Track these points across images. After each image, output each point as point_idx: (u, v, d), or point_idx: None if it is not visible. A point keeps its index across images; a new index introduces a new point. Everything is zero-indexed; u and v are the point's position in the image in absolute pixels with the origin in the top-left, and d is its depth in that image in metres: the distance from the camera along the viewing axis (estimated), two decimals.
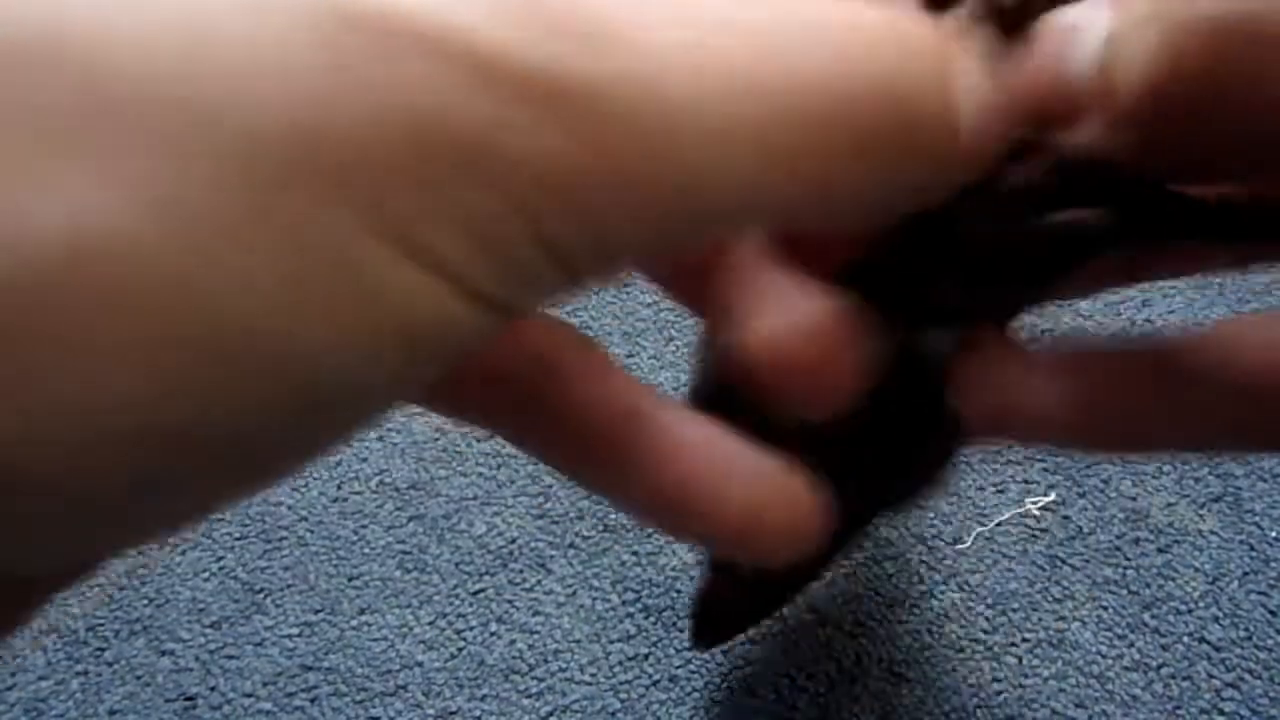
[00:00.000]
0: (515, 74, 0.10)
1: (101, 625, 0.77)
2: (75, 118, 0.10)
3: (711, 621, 0.54)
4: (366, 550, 0.80)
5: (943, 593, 0.77)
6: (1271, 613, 0.75)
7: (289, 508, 0.83)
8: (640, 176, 0.11)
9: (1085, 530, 0.79)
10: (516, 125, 0.10)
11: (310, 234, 0.10)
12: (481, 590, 0.78)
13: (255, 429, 0.11)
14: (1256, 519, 0.80)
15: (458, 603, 0.78)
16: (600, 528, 0.81)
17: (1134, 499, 0.81)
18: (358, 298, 0.10)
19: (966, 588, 0.77)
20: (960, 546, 0.79)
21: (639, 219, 0.11)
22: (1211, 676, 0.72)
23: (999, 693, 0.72)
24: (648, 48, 0.10)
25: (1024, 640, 0.74)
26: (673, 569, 0.78)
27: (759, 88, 0.11)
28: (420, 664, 0.75)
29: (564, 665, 0.74)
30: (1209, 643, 0.74)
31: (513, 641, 0.76)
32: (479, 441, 0.86)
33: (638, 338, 0.93)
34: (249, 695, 0.73)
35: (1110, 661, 0.73)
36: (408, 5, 0.10)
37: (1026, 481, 0.82)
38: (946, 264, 0.18)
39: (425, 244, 0.10)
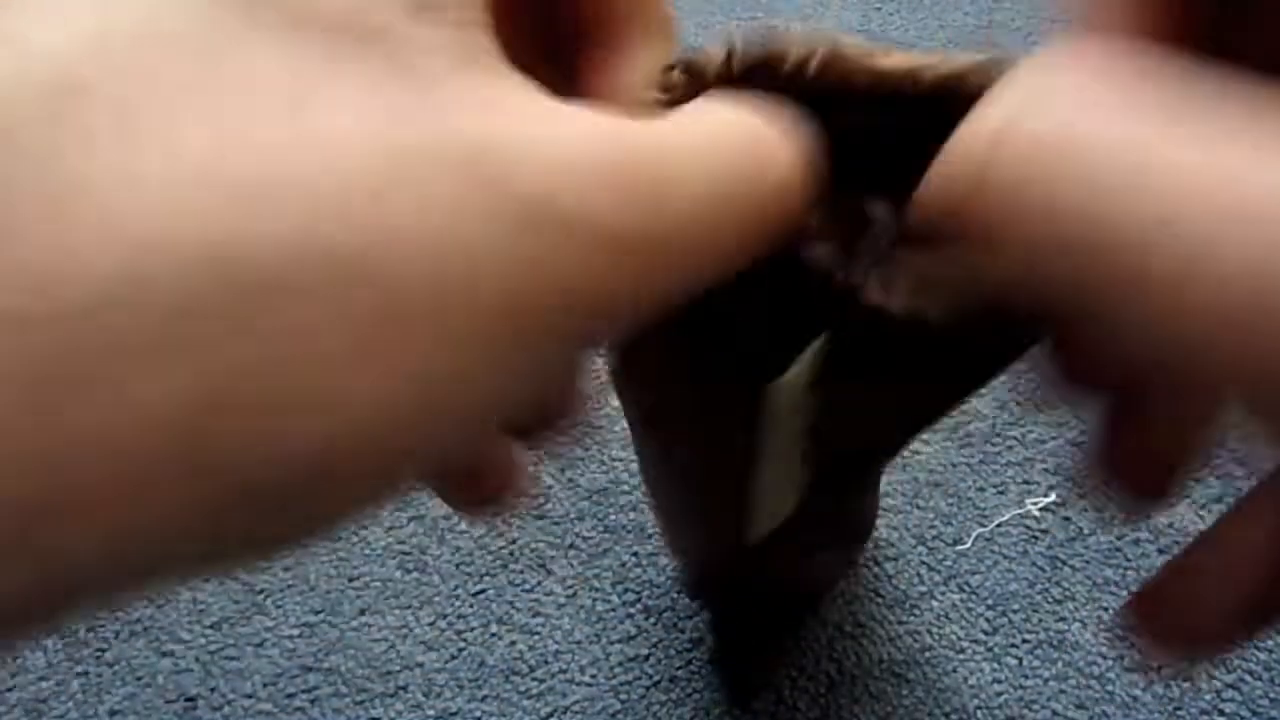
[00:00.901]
0: (614, 236, 0.13)
1: (101, 625, 0.77)
2: (375, 325, 0.12)
3: (738, 673, 0.54)
4: (366, 550, 0.80)
5: (943, 593, 0.77)
6: None
7: None
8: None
9: (1085, 531, 0.79)
10: (602, 269, 0.14)
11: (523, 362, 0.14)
12: (482, 591, 0.78)
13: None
14: None
15: (458, 603, 0.78)
16: (601, 528, 0.81)
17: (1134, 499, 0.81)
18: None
19: (967, 588, 0.77)
20: (960, 547, 0.79)
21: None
22: (1211, 676, 0.72)
23: (999, 693, 0.72)
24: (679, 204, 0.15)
25: (1024, 641, 0.74)
26: (673, 569, 0.78)
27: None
28: (420, 664, 0.75)
29: (564, 666, 0.74)
30: None
31: (513, 642, 0.76)
32: None
33: None
34: (249, 696, 0.73)
35: (1110, 662, 0.73)
36: (563, 200, 0.13)
37: (1026, 482, 0.82)
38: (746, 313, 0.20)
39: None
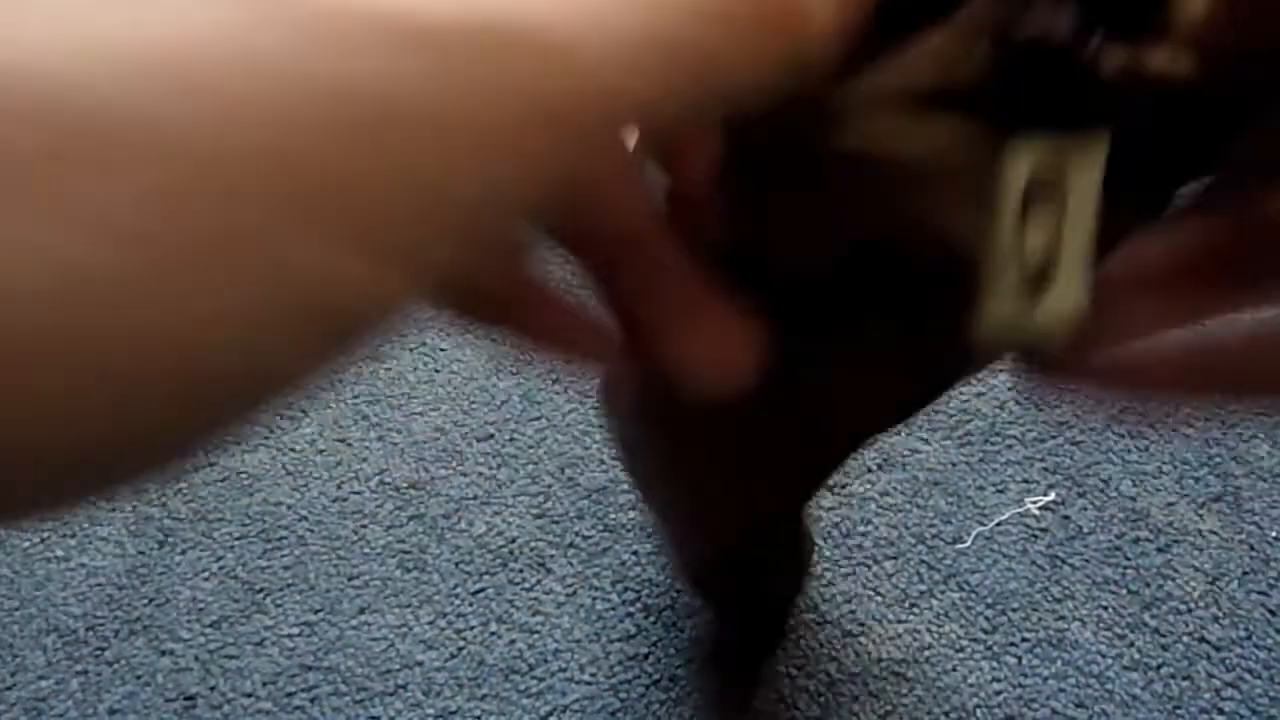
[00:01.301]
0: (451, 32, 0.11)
1: (101, 625, 0.77)
2: (32, 161, 0.09)
3: (728, 677, 0.52)
4: (366, 550, 0.80)
5: (943, 592, 0.77)
6: (1271, 613, 0.75)
7: (289, 508, 0.83)
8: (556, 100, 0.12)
9: (1085, 530, 0.79)
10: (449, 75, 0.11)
11: (266, 249, 0.10)
12: (481, 590, 0.78)
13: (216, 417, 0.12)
14: (1256, 519, 0.80)
15: (458, 602, 0.78)
16: (600, 527, 0.81)
17: (1134, 499, 0.81)
18: (296, 292, 0.11)
19: (966, 587, 0.77)
20: (960, 546, 0.80)
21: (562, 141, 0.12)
22: (1211, 676, 0.72)
23: (998, 692, 0.73)
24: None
25: (1024, 640, 0.75)
26: (674, 572, 0.78)
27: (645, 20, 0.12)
28: (420, 664, 0.75)
29: (564, 665, 0.74)
30: (1209, 643, 0.74)
31: (513, 641, 0.76)
32: (479, 441, 0.86)
33: None
34: (249, 695, 0.74)
35: (1110, 661, 0.73)
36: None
37: (1026, 481, 0.82)
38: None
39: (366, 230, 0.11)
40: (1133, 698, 0.71)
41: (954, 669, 0.73)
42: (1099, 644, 0.74)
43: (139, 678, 0.74)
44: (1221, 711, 0.70)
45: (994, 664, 0.73)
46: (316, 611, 0.77)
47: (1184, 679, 0.72)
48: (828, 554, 0.78)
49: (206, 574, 0.79)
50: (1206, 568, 0.77)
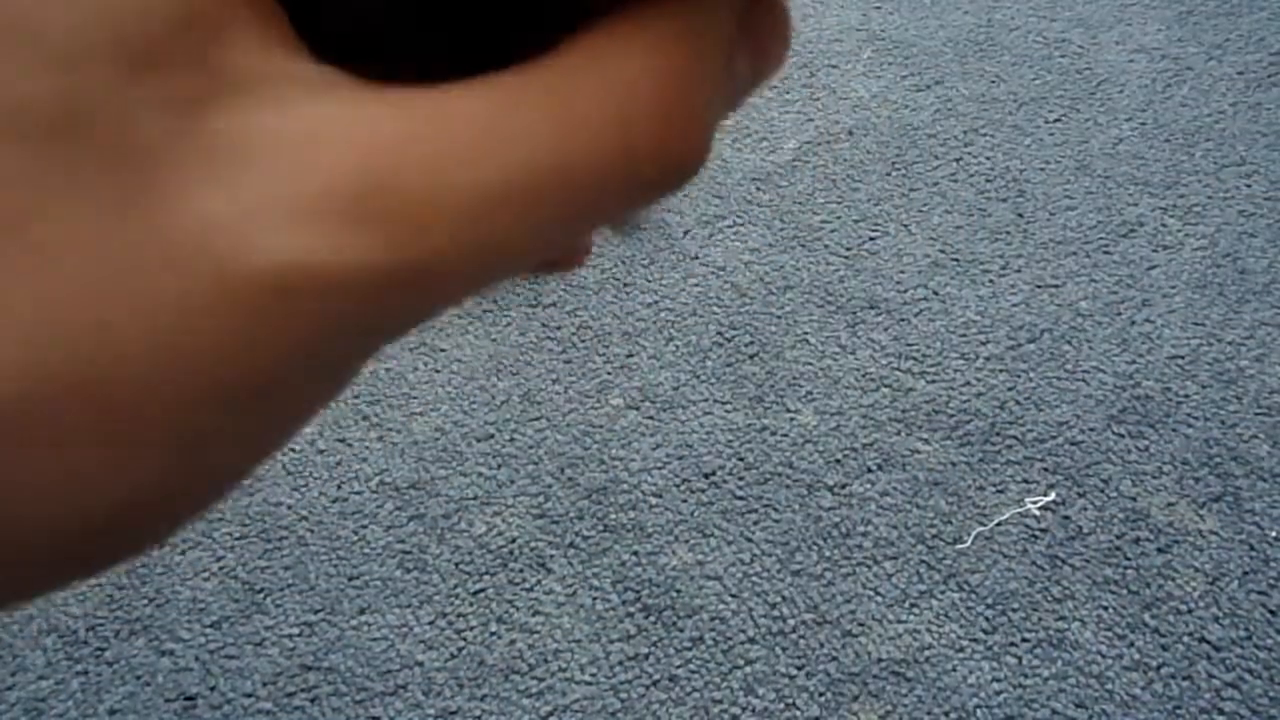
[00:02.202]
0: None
1: (101, 625, 0.77)
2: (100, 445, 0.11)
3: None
4: (366, 550, 0.80)
5: (943, 592, 0.77)
6: (1271, 613, 0.75)
7: (289, 508, 0.83)
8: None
9: (1085, 530, 0.79)
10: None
11: None
12: (481, 590, 0.78)
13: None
14: (1256, 519, 0.80)
15: (458, 602, 0.78)
16: (600, 528, 0.81)
17: (1134, 499, 0.81)
18: None
19: (966, 587, 0.77)
20: (960, 546, 0.80)
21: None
22: (1211, 676, 0.72)
23: (998, 692, 0.72)
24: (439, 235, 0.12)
25: (1024, 640, 0.74)
26: (673, 569, 0.78)
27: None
28: (420, 664, 0.75)
29: (564, 665, 0.74)
30: (1209, 643, 0.74)
31: (513, 641, 0.76)
32: (479, 441, 0.86)
33: (638, 338, 0.93)
34: (249, 695, 0.74)
35: (1110, 661, 0.73)
36: (295, 268, 0.11)
37: (1026, 481, 0.82)
38: None
39: None
40: (1133, 698, 0.71)
41: (954, 669, 0.73)
42: (1099, 644, 0.74)
43: (139, 678, 0.74)
44: (1221, 711, 0.70)
45: (994, 664, 0.73)
46: (316, 611, 0.77)
47: (1184, 679, 0.72)
48: (828, 554, 0.78)
49: (206, 574, 0.79)
50: (1207, 568, 0.77)
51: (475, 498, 0.83)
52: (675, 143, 0.13)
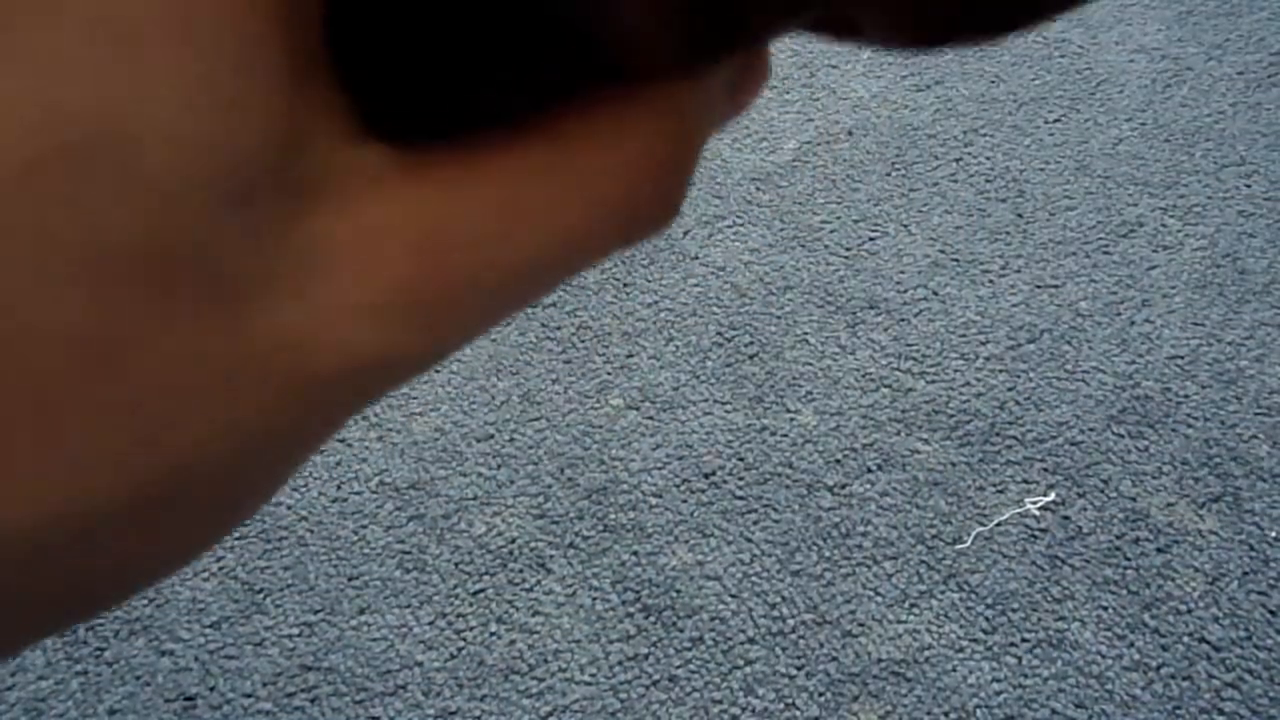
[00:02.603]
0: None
1: (101, 625, 0.77)
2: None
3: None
4: (366, 550, 0.80)
5: (943, 592, 0.77)
6: (1271, 613, 0.75)
7: (289, 508, 0.83)
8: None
9: (1085, 530, 0.79)
10: None
11: None
12: (481, 590, 0.78)
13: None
14: (1256, 519, 0.80)
15: (457, 603, 0.78)
16: (600, 528, 0.81)
17: (1134, 499, 0.81)
18: None
19: (966, 587, 0.77)
20: (960, 546, 0.80)
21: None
22: (1211, 676, 0.72)
23: (998, 692, 0.73)
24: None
25: (1024, 640, 0.75)
26: (672, 569, 0.78)
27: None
28: (420, 664, 0.75)
29: (564, 665, 0.74)
30: (1209, 643, 0.74)
31: (512, 641, 0.76)
32: (479, 441, 0.86)
33: (638, 338, 0.93)
34: (249, 695, 0.74)
35: (1110, 661, 0.73)
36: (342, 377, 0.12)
37: (1026, 481, 0.82)
38: None
39: None
40: (1133, 698, 0.71)
41: (954, 669, 0.73)
42: (1099, 644, 0.74)
43: (139, 678, 0.74)
44: (1221, 711, 0.70)
45: (994, 664, 0.73)
46: (316, 611, 0.77)
47: (1184, 679, 0.72)
48: (828, 554, 0.78)
49: (206, 574, 0.79)
50: (1206, 568, 0.77)
51: (475, 498, 0.83)
52: (668, 204, 0.14)
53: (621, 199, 0.13)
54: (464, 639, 0.75)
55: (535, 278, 0.13)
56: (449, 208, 0.12)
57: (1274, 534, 0.79)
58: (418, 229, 0.12)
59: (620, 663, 0.73)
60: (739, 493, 0.82)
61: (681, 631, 0.75)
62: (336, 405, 0.13)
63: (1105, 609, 0.75)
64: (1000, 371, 0.89)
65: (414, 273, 0.12)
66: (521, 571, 0.78)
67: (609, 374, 0.90)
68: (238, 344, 0.11)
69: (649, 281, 0.97)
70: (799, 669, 0.73)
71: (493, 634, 0.75)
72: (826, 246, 1.00)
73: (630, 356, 0.91)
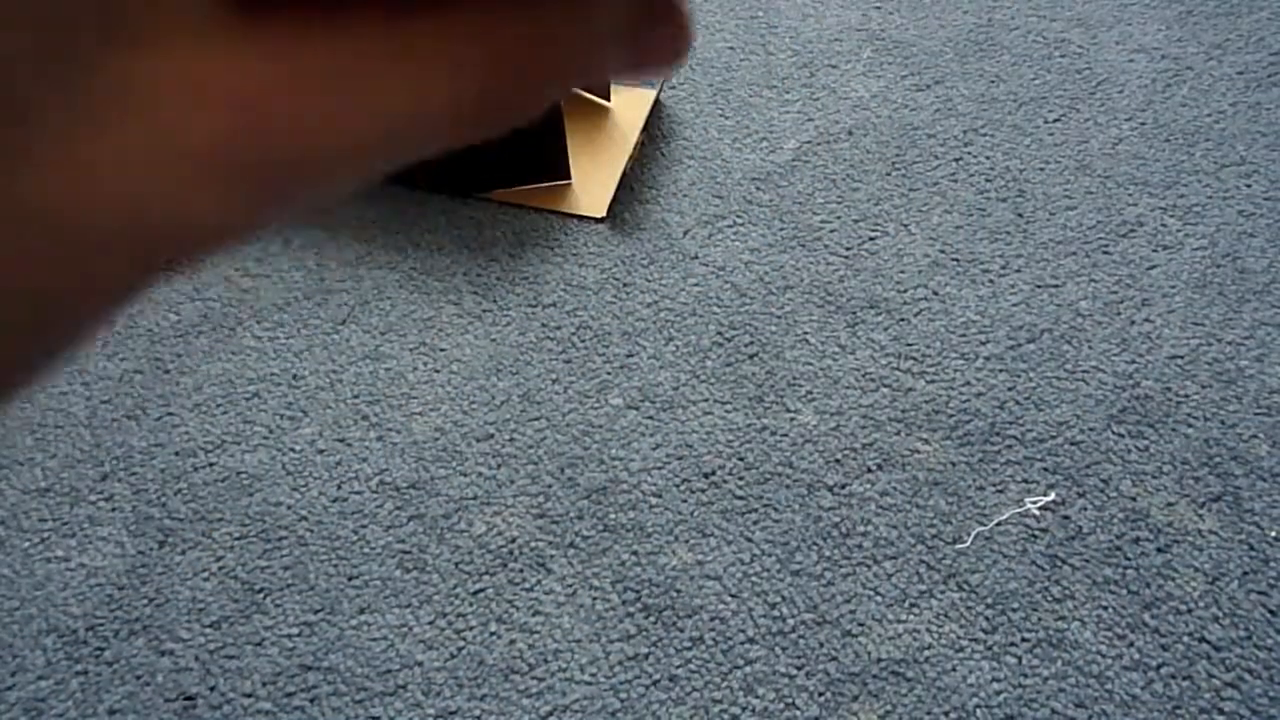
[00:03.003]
0: None
1: (101, 625, 0.77)
2: None
3: None
4: (366, 550, 0.80)
5: (943, 592, 0.77)
6: (1271, 613, 0.75)
7: (289, 508, 0.83)
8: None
9: (1085, 530, 0.79)
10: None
11: None
12: (481, 590, 0.78)
13: None
14: (1256, 519, 0.80)
15: (458, 602, 0.78)
16: (600, 527, 0.81)
17: (1134, 499, 0.81)
18: None
19: (966, 587, 0.77)
20: (960, 546, 0.80)
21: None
22: (1211, 676, 0.72)
23: (998, 692, 0.73)
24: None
25: (1024, 640, 0.75)
26: (672, 569, 0.78)
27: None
28: (420, 664, 0.75)
29: (564, 665, 0.74)
30: (1209, 643, 0.74)
31: (513, 641, 0.76)
32: (479, 441, 0.86)
33: (638, 338, 0.93)
34: (249, 695, 0.74)
35: (1110, 661, 0.73)
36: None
37: (1026, 481, 0.82)
38: None
39: None
40: (1133, 698, 0.71)
41: (954, 669, 0.73)
42: (1099, 644, 0.74)
43: (139, 678, 0.74)
44: (1221, 711, 0.70)
45: (994, 664, 0.73)
46: (316, 611, 0.77)
47: (1184, 679, 0.72)
48: (828, 554, 0.78)
49: (206, 574, 0.79)
50: (1206, 568, 0.77)
51: (475, 498, 0.83)
52: (514, 102, 0.13)
53: (464, 88, 0.13)
54: (464, 639, 0.75)
55: (357, 165, 0.12)
56: (276, 73, 0.12)
57: (1274, 534, 0.78)
58: (241, 88, 0.11)
59: (620, 662, 0.73)
60: (739, 493, 0.82)
61: (681, 631, 0.75)
62: (135, 273, 0.12)
63: (1105, 609, 0.75)
64: (1000, 371, 0.89)
65: (232, 131, 0.11)
66: (521, 571, 0.78)
67: (609, 374, 0.90)
68: (33, 180, 0.11)
69: (649, 281, 0.97)
70: (799, 669, 0.73)
71: (493, 634, 0.75)
72: (826, 246, 0.99)
73: (630, 356, 0.91)
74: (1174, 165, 1.05)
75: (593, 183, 1.05)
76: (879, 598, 0.76)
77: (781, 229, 1.01)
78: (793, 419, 0.86)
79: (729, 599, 0.76)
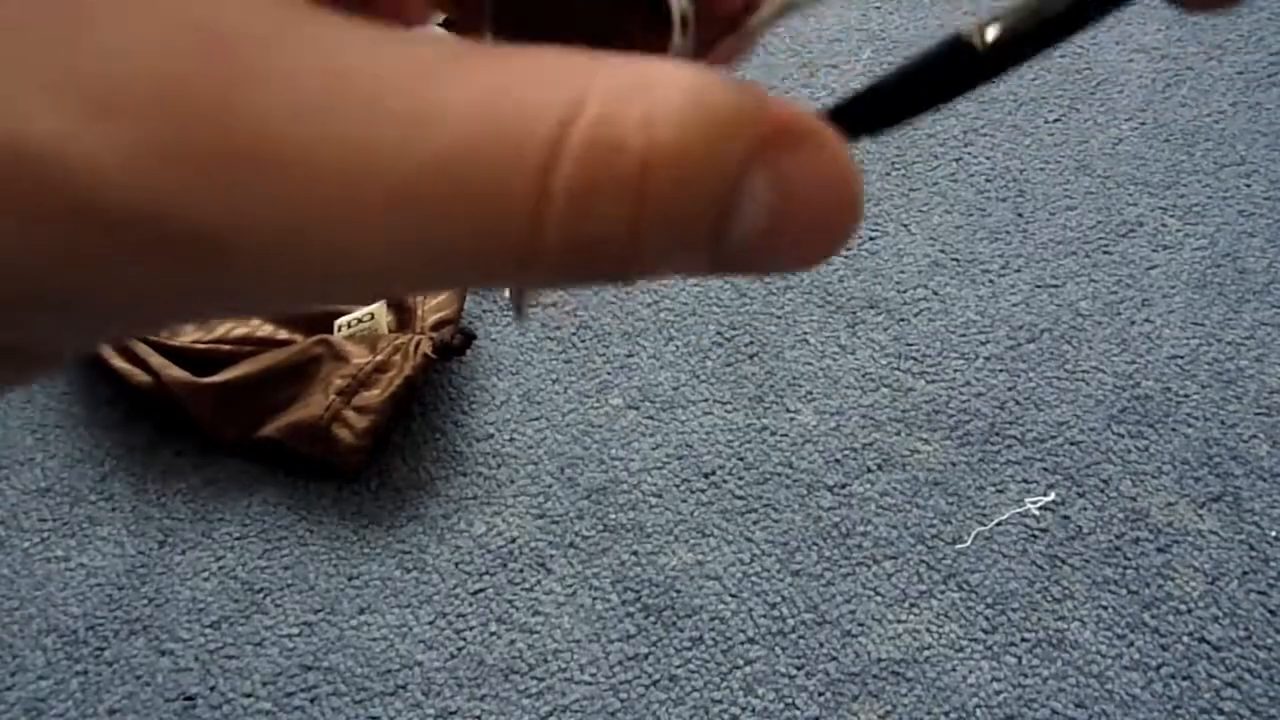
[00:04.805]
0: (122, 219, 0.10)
1: (101, 625, 0.77)
2: None
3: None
4: (366, 550, 0.80)
5: (943, 592, 0.77)
6: (1271, 613, 0.75)
7: (289, 508, 0.83)
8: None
9: (1085, 530, 0.79)
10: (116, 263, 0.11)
11: None
12: (481, 590, 0.78)
13: None
14: (1256, 519, 0.80)
15: (457, 602, 0.78)
16: (600, 527, 0.81)
17: (1134, 499, 0.81)
18: None
19: (966, 587, 0.77)
20: (960, 546, 0.80)
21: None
22: (1211, 676, 0.72)
23: (998, 692, 0.73)
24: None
25: (1024, 640, 0.75)
26: (672, 569, 0.78)
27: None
28: (420, 664, 0.75)
29: (564, 665, 0.74)
30: (1209, 643, 0.74)
31: (512, 641, 0.76)
32: (479, 441, 0.86)
33: (638, 338, 0.93)
34: (249, 695, 0.74)
35: (1110, 661, 0.73)
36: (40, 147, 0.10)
37: (1026, 481, 0.82)
38: None
39: None
40: (1133, 698, 0.71)
41: (954, 669, 0.73)
42: (1099, 644, 0.74)
43: (139, 678, 0.74)
44: (1221, 711, 0.70)
45: (994, 664, 0.73)
46: (316, 611, 0.77)
47: (1184, 679, 0.72)
48: (828, 554, 0.78)
49: (206, 574, 0.79)
50: (1206, 568, 0.77)
51: (475, 498, 0.82)
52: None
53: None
54: (464, 639, 0.75)
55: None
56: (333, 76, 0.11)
57: (1274, 534, 0.78)
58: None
59: (620, 662, 0.73)
60: (739, 493, 0.82)
61: (681, 631, 0.75)
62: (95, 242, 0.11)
63: (1105, 609, 0.75)
64: (1000, 371, 0.89)
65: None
66: (521, 571, 0.78)
67: (609, 374, 0.89)
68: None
69: (649, 281, 0.97)
70: (799, 669, 0.73)
71: (493, 634, 0.75)
72: None
73: (630, 356, 0.91)
74: (1174, 165, 1.05)
75: None
76: (879, 598, 0.76)
77: None
78: (793, 419, 0.86)
79: (729, 599, 0.76)
